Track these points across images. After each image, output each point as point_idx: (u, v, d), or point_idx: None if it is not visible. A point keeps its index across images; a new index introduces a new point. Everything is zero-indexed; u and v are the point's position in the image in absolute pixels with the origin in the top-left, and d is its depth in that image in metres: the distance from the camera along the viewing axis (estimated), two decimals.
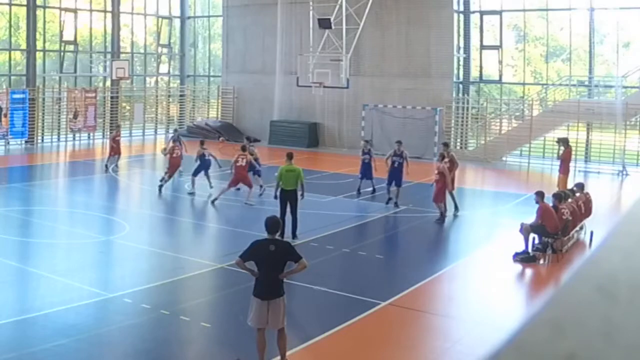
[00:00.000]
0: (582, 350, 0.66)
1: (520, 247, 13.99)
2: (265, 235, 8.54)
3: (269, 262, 8.29)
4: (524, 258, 13.73)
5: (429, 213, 18.33)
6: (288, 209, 14.77)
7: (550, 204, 14.38)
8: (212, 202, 18.60)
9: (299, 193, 14.85)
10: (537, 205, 14.37)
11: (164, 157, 22.05)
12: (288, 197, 14.77)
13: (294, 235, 14.53)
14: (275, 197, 14.96)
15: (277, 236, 8.61)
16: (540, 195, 14.40)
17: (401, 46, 31.27)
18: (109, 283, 11.79)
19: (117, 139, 24.51)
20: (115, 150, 24.22)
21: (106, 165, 24.23)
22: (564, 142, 20.68)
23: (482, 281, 13.03)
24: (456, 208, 18.15)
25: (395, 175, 18.82)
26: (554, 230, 13.88)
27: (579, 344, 0.67)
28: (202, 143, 20.86)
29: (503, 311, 10.98)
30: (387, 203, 18.95)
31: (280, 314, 8.31)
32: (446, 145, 19.83)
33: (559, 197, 14.60)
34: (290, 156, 15.32)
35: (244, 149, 19.08)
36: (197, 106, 38.94)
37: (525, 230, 14.03)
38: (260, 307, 8.27)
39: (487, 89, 33.46)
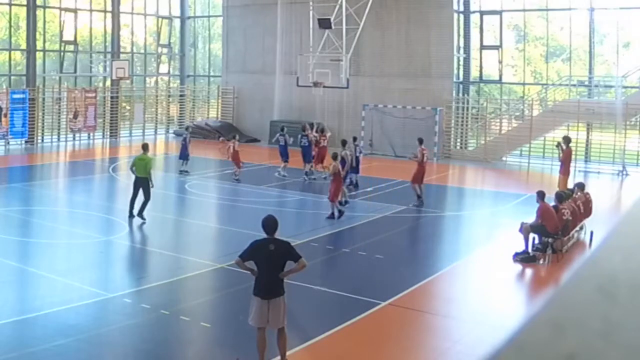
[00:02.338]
0: (582, 350, 0.66)
1: (520, 247, 13.99)
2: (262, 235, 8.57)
3: (268, 262, 8.30)
4: (524, 258, 13.73)
5: (429, 213, 18.35)
6: (140, 193, 16.20)
7: (552, 204, 14.39)
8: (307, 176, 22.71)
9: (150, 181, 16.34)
10: (537, 205, 14.37)
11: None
12: (139, 183, 16.19)
13: (140, 214, 15.97)
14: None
15: (275, 235, 8.63)
16: (540, 195, 14.39)
17: (401, 46, 31.27)
18: (109, 283, 11.79)
19: (236, 149, 22.47)
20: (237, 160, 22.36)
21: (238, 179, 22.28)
22: (565, 140, 20.61)
23: (482, 281, 13.03)
24: (419, 199, 18.86)
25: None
26: (554, 230, 13.88)
27: (579, 344, 0.67)
28: (282, 129, 24.44)
29: (503, 311, 10.98)
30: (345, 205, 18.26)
31: (281, 313, 8.32)
32: (421, 141, 20.04)
33: (561, 197, 14.61)
34: (144, 147, 17.02)
35: (322, 130, 23.87)
36: (197, 106, 38.93)
37: (525, 230, 14.03)
38: (261, 306, 8.28)
39: (487, 89, 33.47)
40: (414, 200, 18.84)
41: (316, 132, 23.99)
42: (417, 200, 18.81)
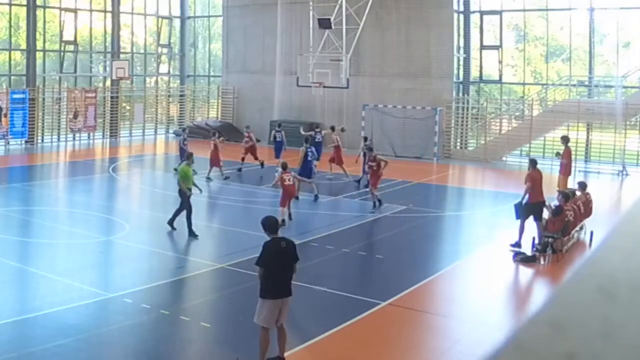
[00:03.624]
0: (582, 350, 0.66)
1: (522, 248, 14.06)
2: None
3: (280, 261, 8.32)
4: (524, 258, 13.75)
5: (429, 213, 18.34)
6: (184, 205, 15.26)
7: (557, 203, 14.52)
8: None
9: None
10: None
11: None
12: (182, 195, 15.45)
13: (170, 222, 15.18)
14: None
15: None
16: (532, 162, 15.12)
17: (401, 46, 31.27)
18: (109, 283, 11.79)
19: (218, 148, 22.72)
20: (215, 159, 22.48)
21: (226, 177, 22.73)
22: (564, 140, 20.54)
23: (482, 281, 13.03)
24: (374, 205, 18.28)
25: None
26: (537, 199, 14.11)
27: (579, 344, 0.67)
28: (279, 125, 24.86)
29: (503, 311, 10.99)
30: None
31: (286, 312, 8.39)
32: (370, 149, 19.35)
33: (567, 196, 14.67)
34: (187, 157, 16.10)
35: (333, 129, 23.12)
36: (197, 106, 38.94)
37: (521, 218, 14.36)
38: (274, 306, 8.26)
39: (487, 89, 33.47)
40: (371, 207, 18.27)
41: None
42: (378, 204, 18.15)
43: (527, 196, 14.64)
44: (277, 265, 8.31)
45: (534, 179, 14.67)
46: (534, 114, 29.63)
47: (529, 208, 14.33)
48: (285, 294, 8.33)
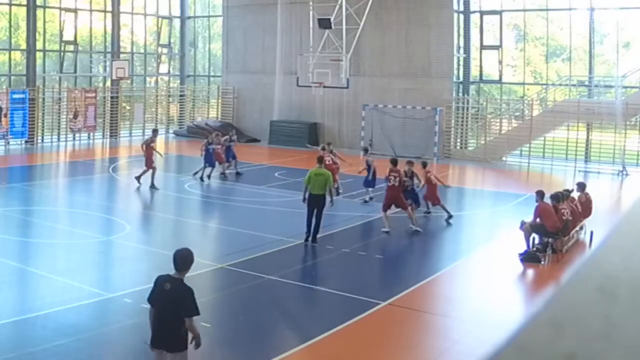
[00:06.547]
0: (582, 350, 0.66)
1: (522, 247, 14.01)
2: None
3: (160, 304, 7.32)
4: (527, 257, 13.73)
5: (429, 213, 18.32)
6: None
7: (550, 204, 14.39)
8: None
9: (328, 199, 15.25)
10: (536, 205, 14.36)
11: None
12: (315, 202, 14.43)
13: (314, 240, 14.26)
14: (304, 200, 14.58)
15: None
16: (539, 194, 14.40)
17: (401, 46, 31.27)
18: (109, 283, 11.78)
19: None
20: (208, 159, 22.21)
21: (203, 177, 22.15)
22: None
23: (482, 281, 13.02)
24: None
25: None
26: (554, 229, 13.89)
27: (579, 344, 0.67)
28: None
29: (503, 311, 10.98)
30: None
31: None
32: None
33: (557, 197, 14.61)
34: (320, 160, 15.20)
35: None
36: (197, 106, 38.94)
37: (526, 229, 14.05)
38: (156, 357, 7.29)
39: (487, 89, 33.47)
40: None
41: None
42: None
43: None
44: (157, 307, 7.19)
45: (544, 210, 13.93)
46: (534, 114, 29.64)
47: (546, 232, 13.97)
48: (161, 345, 7.04)
